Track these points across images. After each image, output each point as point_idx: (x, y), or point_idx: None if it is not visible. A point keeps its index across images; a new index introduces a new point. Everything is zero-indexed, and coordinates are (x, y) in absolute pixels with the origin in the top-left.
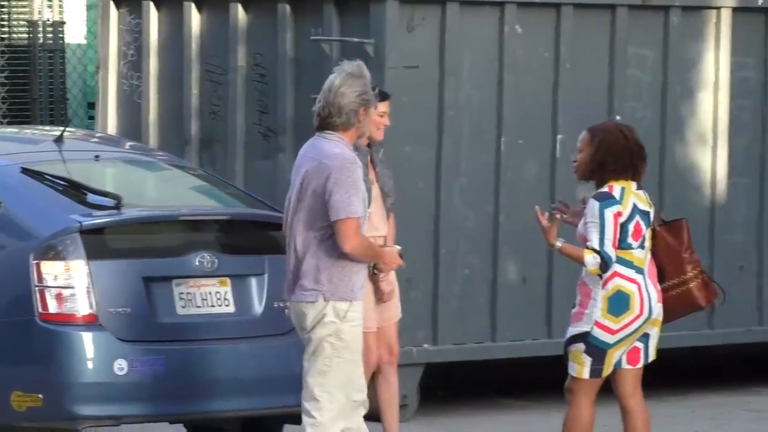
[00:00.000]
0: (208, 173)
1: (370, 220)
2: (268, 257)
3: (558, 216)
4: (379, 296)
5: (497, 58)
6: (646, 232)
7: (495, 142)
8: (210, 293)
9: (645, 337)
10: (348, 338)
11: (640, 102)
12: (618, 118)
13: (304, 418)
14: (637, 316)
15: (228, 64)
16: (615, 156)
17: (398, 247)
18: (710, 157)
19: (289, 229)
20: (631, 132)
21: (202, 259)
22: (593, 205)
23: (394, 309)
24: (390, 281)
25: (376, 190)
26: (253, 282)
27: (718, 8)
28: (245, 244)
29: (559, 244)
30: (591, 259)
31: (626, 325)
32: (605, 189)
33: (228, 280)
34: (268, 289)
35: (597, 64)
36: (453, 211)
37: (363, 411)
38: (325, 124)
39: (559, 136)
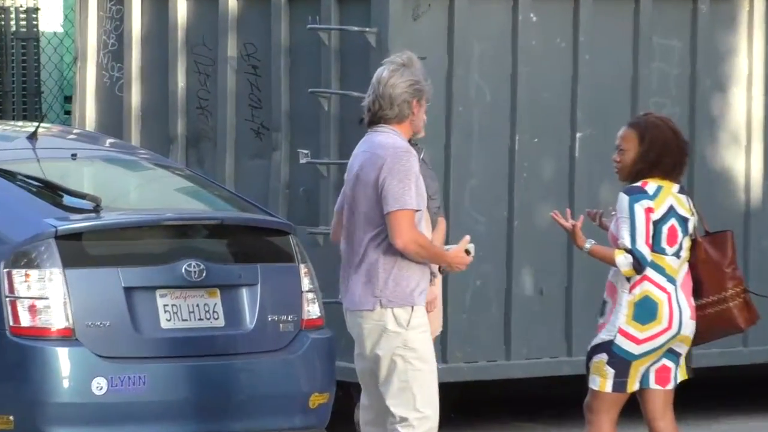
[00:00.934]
0: (195, 173)
1: None
2: (261, 266)
3: (582, 216)
4: None
5: (510, 49)
6: (683, 240)
7: (508, 140)
8: (198, 305)
9: (675, 356)
10: (418, 346)
11: (666, 97)
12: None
13: None
14: (665, 329)
15: (217, 55)
16: (670, 155)
17: (469, 244)
18: (743, 157)
19: (345, 232)
20: (676, 126)
21: (189, 267)
22: (622, 200)
23: (435, 321)
24: (431, 289)
25: None
26: (245, 293)
27: None
28: (236, 251)
29: (588, 245)
30: (623, 260)
31: (652, 337)
32: (638, 184)
33: (217, 291)
34: (262, 301)
35: (619, 55)
36: (462, 216)
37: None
38: (377, 118)
39: (578, 134)
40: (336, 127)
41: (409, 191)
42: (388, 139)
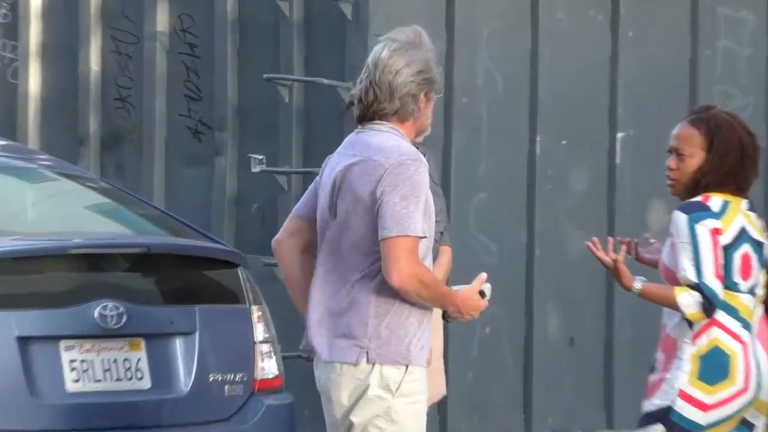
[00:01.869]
0: (112, 186)
1: None
2: (200, 308)
3: (625, 248)
4: None
5: (530, 23)
6: (759, 273)
7: (527, 142)
8: (115, 361)
9: (748, 428)
10: (403, 421)
11: (735, 85)
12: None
13: None
14: (740, 391)
15: (143, 30)
16: (746, 162)
17: (486, 283)
18: None
19: (323, 257)
20: (747, 126)
21: (103, 310)
22: (679, 221)
23: (434, 382)
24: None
25: None
26: (179, 345)
27: None
28: (167, 288)
29: (638, 285)
30: (688, 299)
31: (724, 401)
32: (698, 199)
33: (142, 342)
34: (201, 355)
35: (673, 32)
36: (467, 241)
37: None
38: (371, 112)
39: (618, 134)
40: (300, 124)
41: (415, 213)
42: (390, 141)
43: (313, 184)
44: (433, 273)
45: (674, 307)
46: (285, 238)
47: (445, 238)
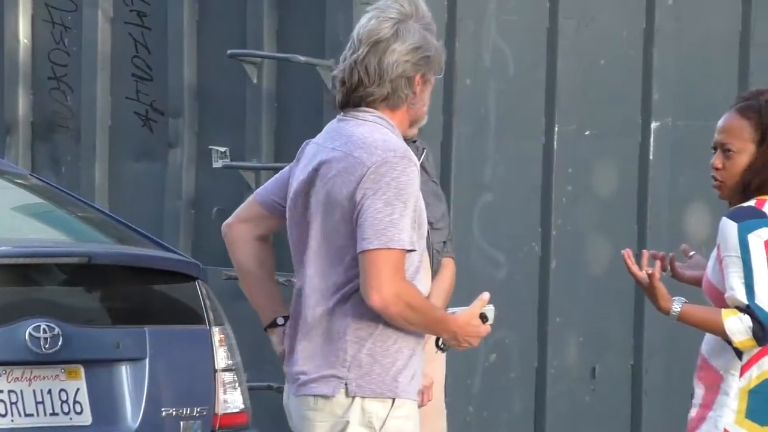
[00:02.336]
0: (46, 183)
1: None
2: (151, 329)
3: (659, 263)
4: None
5: None
6: None
7: (542, 133)
8: (50, 391)
9: None
10: None
11: None
12: None
13: None
14: None
15: None
16: None
17: (488, 306)
18: None
19: (298, 268)
20: None
21: (35, 332)
22: (729, 230)
23: (430, 421)
24: (425, 372)
25: None
26: (126, 373)
27: None
28: (112, 306)
29: (677, 307)
30: (736, 324)
31: None
32: (750, 203)
33: (81, 370)
34: (152, 385)
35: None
36: (470, 252)
37: None
38: (356, 98)
39: (653, 123)
40: (271, 110)
41: (401, 221)
42: (376, 133)
43: (286, 169)
44: (422, 293)
45: (720, 333)
46: (237, 222)
47: (448, 249)
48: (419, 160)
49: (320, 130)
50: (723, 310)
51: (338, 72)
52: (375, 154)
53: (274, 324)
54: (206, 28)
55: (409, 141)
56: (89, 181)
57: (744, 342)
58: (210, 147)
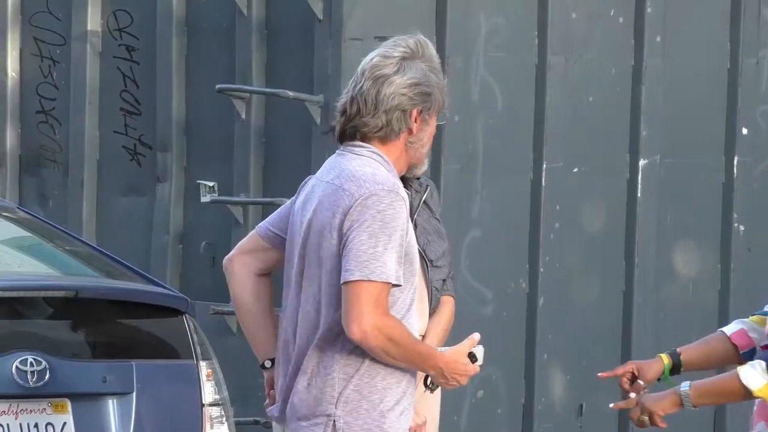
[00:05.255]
0: (34, 216)
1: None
2: (138, 364)
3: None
4: None
5: (536, 24)
6: None
7: (531, 169)
8: (36, 425)
9: None
10: None
11: None
12: None
13: None
14: None
15: (70, 30)
16: None
17: (477, 346)
18: None
19: (290, 303)
20: None
21: (22, 365)
22: None
23: None
24: (418, 411)
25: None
26: (113, 407)
27: None
28: (99, 340)
29: (684, 389)
30: (751, 373)
31: None
32: None
33: (67, 404)
34: (138, 420)
35: (710, 35)
36: (459, 287)
37: None
38: (351, 128)
39: (641, 161)
40: (259, 145)
41: (384, 254)
42: (366, 166)
43: (287, 204)
44: (405, 327)
45: (738, 395)
46: (238, 255)
47: (448, 287)
48: (422, 197)
49: (308, 165)
50: (739, 367)
51: (340, 103)
52: (363, 186)
53: (263, 366)
54: (195, 63)
55: (413, 178)
56: (77, 214)
57: (763, 389)
58: (198, 181)
